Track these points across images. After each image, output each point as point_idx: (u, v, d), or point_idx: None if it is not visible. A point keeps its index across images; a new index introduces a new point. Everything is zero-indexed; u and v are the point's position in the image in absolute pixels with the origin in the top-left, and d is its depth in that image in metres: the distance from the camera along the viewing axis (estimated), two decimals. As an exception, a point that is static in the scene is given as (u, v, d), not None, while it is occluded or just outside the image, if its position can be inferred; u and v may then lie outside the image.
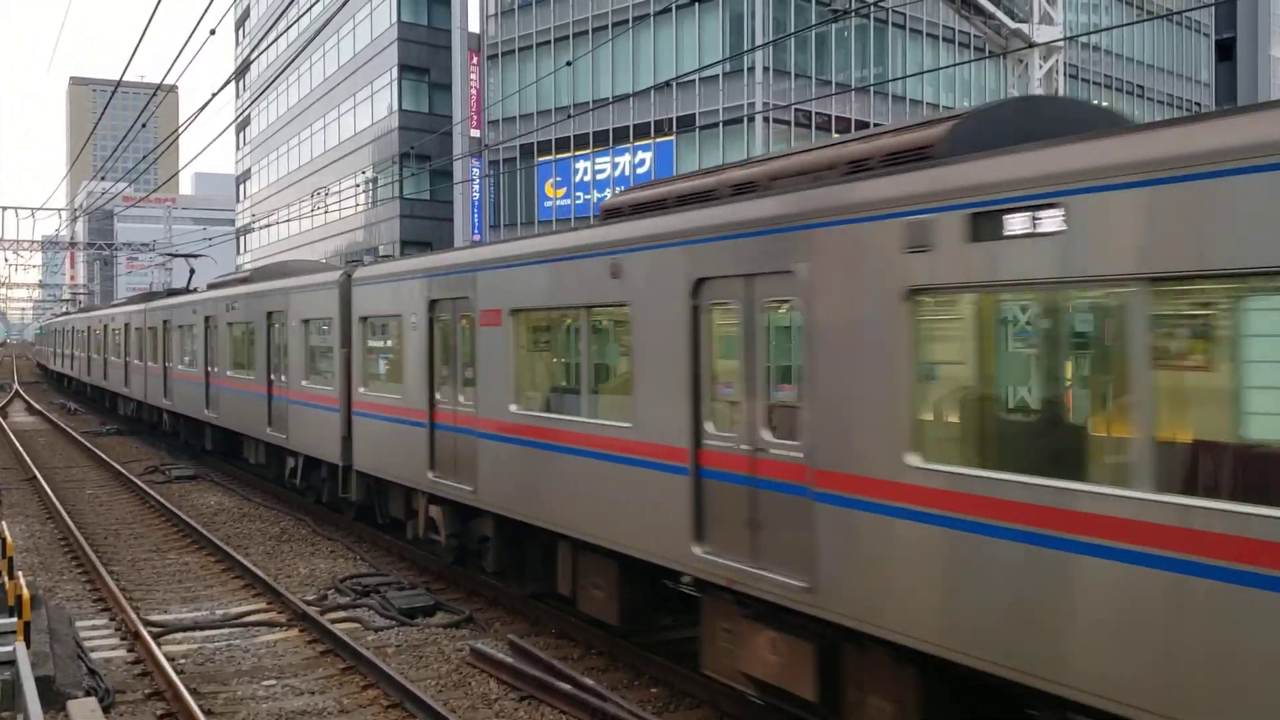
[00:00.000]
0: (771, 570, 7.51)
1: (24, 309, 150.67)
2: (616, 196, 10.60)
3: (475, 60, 53.29)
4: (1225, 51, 61.43)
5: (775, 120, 42.01)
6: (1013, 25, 21.29)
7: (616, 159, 46.64)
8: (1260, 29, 62.22)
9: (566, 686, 9.05)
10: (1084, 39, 48.12)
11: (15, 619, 8.74)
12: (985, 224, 6.08)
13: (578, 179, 48.43)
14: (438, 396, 12.69)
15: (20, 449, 27.36)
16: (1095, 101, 49.79)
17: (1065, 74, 23.18)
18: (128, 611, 11.70)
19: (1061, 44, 22.13)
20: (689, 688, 9.36)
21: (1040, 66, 21.94)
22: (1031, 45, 21.29)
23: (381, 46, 59.01)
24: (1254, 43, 62.30)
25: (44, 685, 8.29)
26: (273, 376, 18.57)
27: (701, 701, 9.15)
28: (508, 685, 9.58)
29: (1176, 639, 5.15)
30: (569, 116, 42.38)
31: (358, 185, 59.14)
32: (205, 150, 26.73)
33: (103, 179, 77.25)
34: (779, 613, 7.62)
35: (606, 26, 46.74)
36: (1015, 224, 5.92)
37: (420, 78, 58.08)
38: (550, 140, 47.81)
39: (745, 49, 41.04)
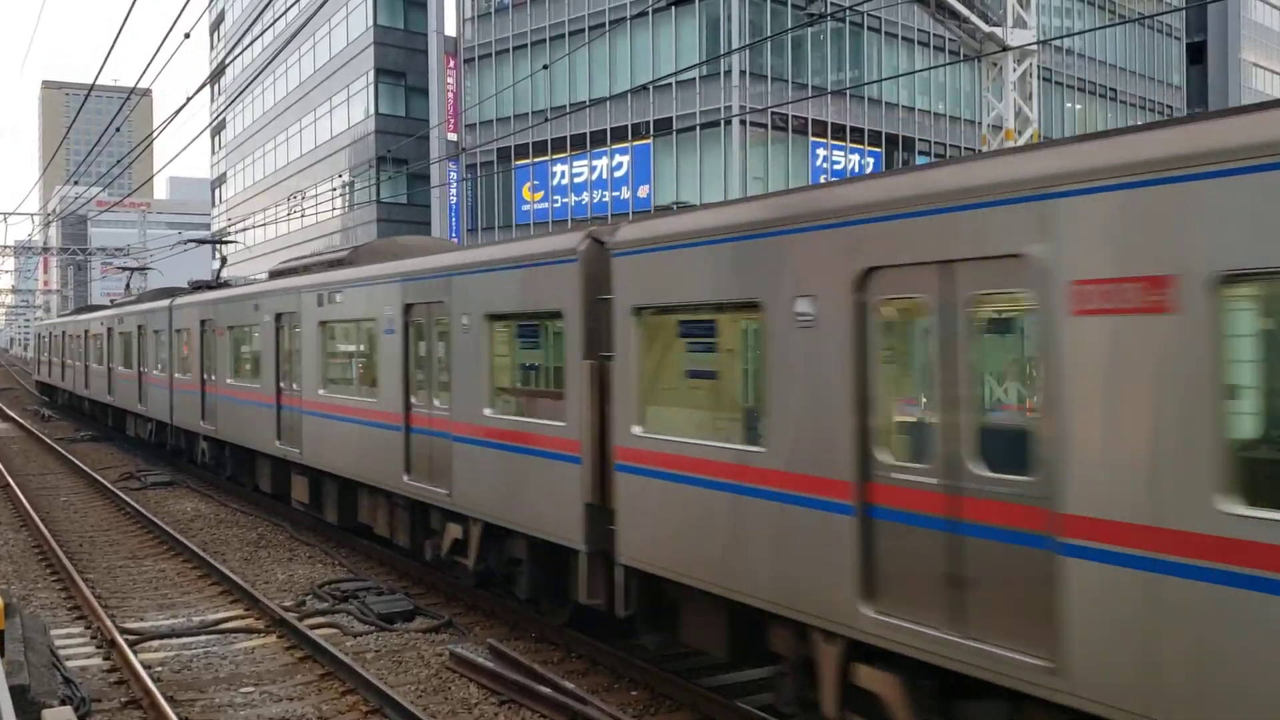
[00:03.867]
0: None
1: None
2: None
3: (452, 64, 53.23)
4: (1196, 55, 62.05)
5: (752, 123, 42.15)
6: (987, 29, 21.44)
7: (594, 162, 46.68)
8: (1230, 32, 62.89)
9: (547, 690, 9.05)
10: (1057, 43, 48.50)
11: (-11, 628, 8.65)
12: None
13: (555, 183, 48.44)
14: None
15: (-7, 456, 27.09)
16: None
17: (1039, 77, 23.36)
18: (103, 619, 11.61)
19: (1035, 48, 22.31)
20: (669, 691, 9.37)
21: (1014, 70, 22.11)
22: (1005, 49, 21.45)
23: (358, 50, 58.85)
24: (1224, 46, 62.99)
25: (19, 694, 8.22)
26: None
27: (681, 704, 9.16)
28: (488, 690, 9.57)
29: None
30: (546, 120, 42.39)
31: (334, 189, 58.96)
32: (180, 154, 26.70)
33: (76, 183, 76.73)
34: None
35: (584, 30, 46.78)
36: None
37: (397, 81, 57.96)
38: (528, 144, 47.81)
39: (722, 52, 41.14)
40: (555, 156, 48.07)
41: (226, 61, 70.57)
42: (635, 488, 8.88)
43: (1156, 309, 5.14)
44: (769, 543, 7.45)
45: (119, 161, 27.31)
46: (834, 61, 45.76)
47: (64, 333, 40.47)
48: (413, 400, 12.54)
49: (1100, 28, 51.56)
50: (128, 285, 43.77)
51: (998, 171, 6.04)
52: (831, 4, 39.63)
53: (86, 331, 34.38)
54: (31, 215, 68.86)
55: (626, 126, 44.99)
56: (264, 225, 65.15)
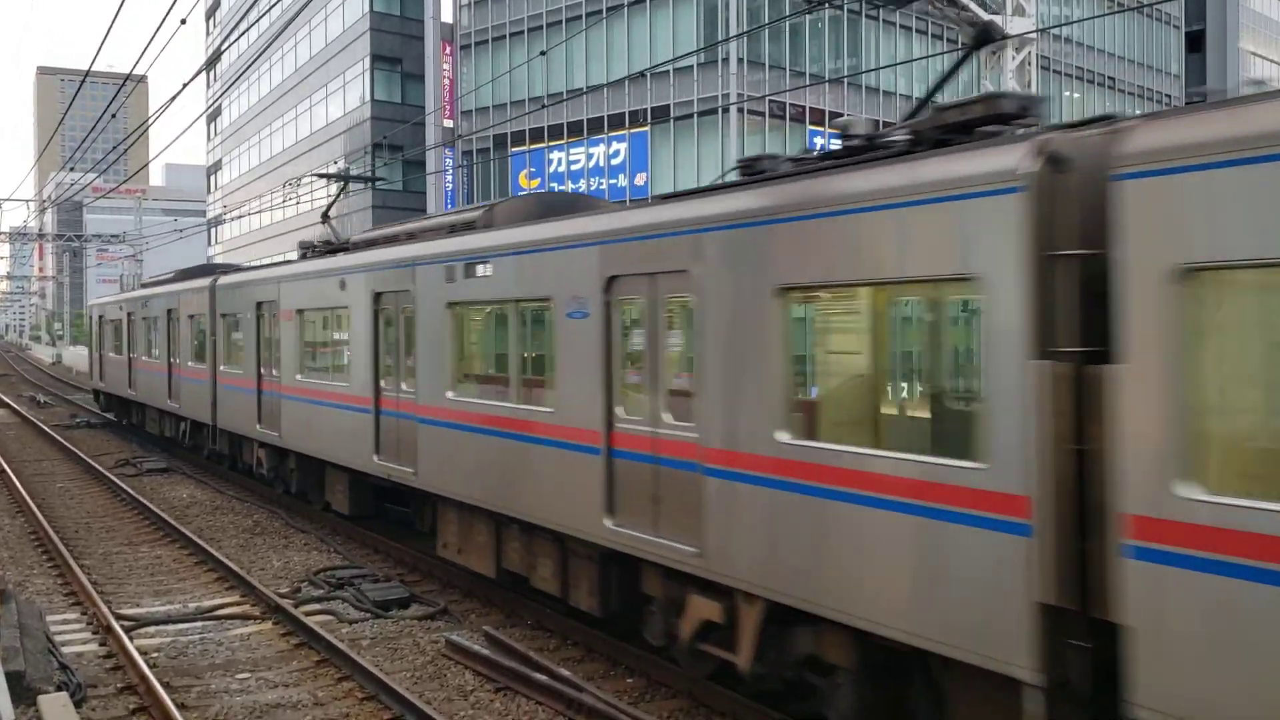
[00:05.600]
0: None
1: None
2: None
3: (448, 50, 53.06)
4: (1195, 44, 61.94)
5: (750, 111, 42.05)
6: (986, 17, 21.38)
7: (591, 150, 46.57)
8: (1229, 21, 62.77)
9: (542, 677, 9.05)
10: (1056, 31, 48.40)
11: (-16, 614, 8.65)
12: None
13: (552, 170, 48.34)
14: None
15: (-12, 442, 27.02)
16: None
17: (1037, 66, 23.32)
18: (99, 605, 11.61)
19: (1034, 36, 22.27)
20: (665, 678, 9.39)
21: (1013, 59, 22.07)
22: (1004, 37, 21.39)
23: (354, 36, 58.65)
24: (1223, 35, 62.86)
25: (14, 680, 8.22)
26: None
27: (677, 691, 9.18)
28: (484, 677, 9.57)
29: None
30: (543, 107, 42.27)
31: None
32: (175, 141, 26.41)
33: (71, 170, 76.50)
34: None
35: (580, 16, 46.63)
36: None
37: (393, 68, 57.78)
38: (524, 130, 47.69)
39: (720, 39, 41.03)
40: (552, 143, 47.96)
41: (222, 48, 70.30)
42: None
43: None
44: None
45: (115, 148, 27.24)
46: (831, 49, 45.65)
47: (170, 312, 23.61)
48: None
49: (1099, 16, 51.48)
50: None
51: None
52: (829, -9, 39.52)
53: (261, 305, 17.72)
54: (27, 201, 68.62)
55: (624, 113, 44.88)
56: (259, 213, 64.99)
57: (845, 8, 43.74)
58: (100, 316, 32.45)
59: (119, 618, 11.30)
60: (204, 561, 14.32)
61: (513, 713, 8.81)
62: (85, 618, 11.69)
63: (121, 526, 17.11)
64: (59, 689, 8.59)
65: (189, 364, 22.10)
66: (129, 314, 27.94)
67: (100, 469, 22.21)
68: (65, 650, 10.11)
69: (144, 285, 29.01)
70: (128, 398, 28.50)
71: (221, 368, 19.93)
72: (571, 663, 9.89)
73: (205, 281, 21.11)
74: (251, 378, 18.04)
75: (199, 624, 11.47)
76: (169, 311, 23.80)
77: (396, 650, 10.47)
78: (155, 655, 10.32)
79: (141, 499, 18.46)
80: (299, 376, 15.94)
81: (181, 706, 8.82)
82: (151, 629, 11.25)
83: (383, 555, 14.56)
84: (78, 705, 8.61)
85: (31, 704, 8.07)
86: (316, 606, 11.92)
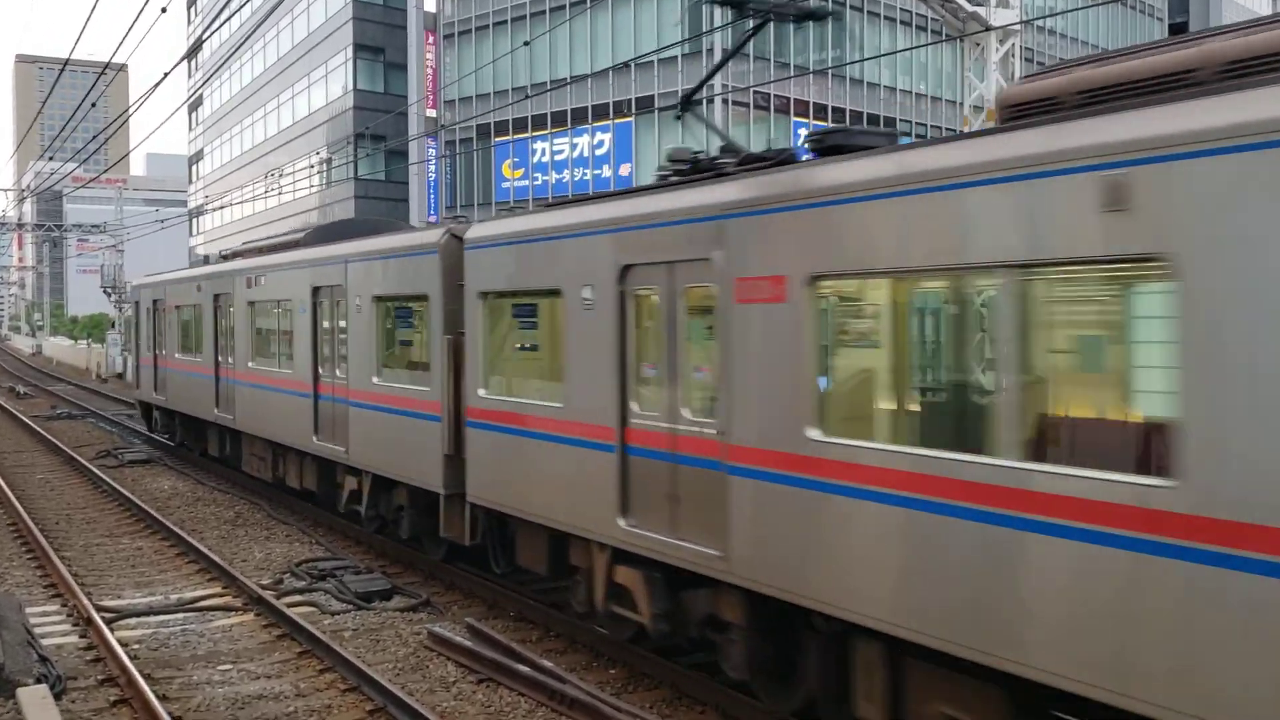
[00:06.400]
0: None
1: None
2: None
3: (431, 39, 52.84)
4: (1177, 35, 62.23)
5: (735, 102, 42.01)
6: (970, 9, 21.42)
7: (575, 140, 46.48)
8: (1212, 14, 63.04)
9: (525, 668, 9.05)
10: (1040, 23, 48.51)
11: (-37, 606, 8.58)
12: None
13: (536, 160, 48.23)
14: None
15: (-32, 434, 26.79)
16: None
17: (1021, 57, 23.37)
18: (80, 597, 11.55)
19: (1018, 28, 22.30)
20: (648, 668, 9.40)
21: (997, 50, 22.10)
22: (988, 29, 21.43)
23: (336, 25, 58.35)
24: (1205, 27, 63.17)
25: (-7, 673, 8.17)
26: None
27: (660, 682, 9.19)
28: (466, 668, 9.57)
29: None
30: (527, 97, 42.18)
31: (312, 166, 58.53)
32: (156, 131, 25.92)
33: (51, 159, 75.87)
34: None
35: (564, 6, 46.49)
36: None
37: (375, 57, 57.53)
38: (508, 121, 47.55)
39: (704, 30, 40.98)
40: (536, 134, 47.84)
41: (204, 37, 69.83)
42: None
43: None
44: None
45: (95, 137, 27.00)
46: (816, 41, 45.65)
47: (319, 293, 14.89)
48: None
49: (1083, 8, 51.56)
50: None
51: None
52: (814, -18, 39.52)
53: (629, 273, 8.73)
54: (5, 191, 68.13)
55: (608, 104, 44.80)
56: (241, 203, 64.62)
57: (830, 0, 43.71)
58: (154, 301, 23.48)
59: (100, 609, 11.24)
60: (185, 553, 14.26)
61: (495, 704, 8.81)
62: (65, 610, 11.63)
63: (102, 518, 17.03)
64: (38, 681, 8.54)
65: (376, 382, 13.31)
66: (216, 296, 19.03)
67: (81, 460, 22.09)
68: (45, 642, 10.05)
69: (240, 254, 19.52)
70: (213, 422, 19.65)
71: (480, 393, 11.08)
72: (554, 654, 9.90)
73: (429, 236, 12.39)
74: (604, 421, 9.05)
75: (180, 616, 11.42)
76: (316, 291, 14.91)
77: (379, 642, 10.45)
78: (136, 647, 10.28)
79: (123, 490, 18.37)
80: (816, 435, 6.97)
81: (163, 698, 8.78)
82: (132, 621, 11.21)
83: (364, 547, 14.53)
84: (58, 698, 8.56)
85: (10, 696, 8.02)
86: (299, 598, 11.89)
